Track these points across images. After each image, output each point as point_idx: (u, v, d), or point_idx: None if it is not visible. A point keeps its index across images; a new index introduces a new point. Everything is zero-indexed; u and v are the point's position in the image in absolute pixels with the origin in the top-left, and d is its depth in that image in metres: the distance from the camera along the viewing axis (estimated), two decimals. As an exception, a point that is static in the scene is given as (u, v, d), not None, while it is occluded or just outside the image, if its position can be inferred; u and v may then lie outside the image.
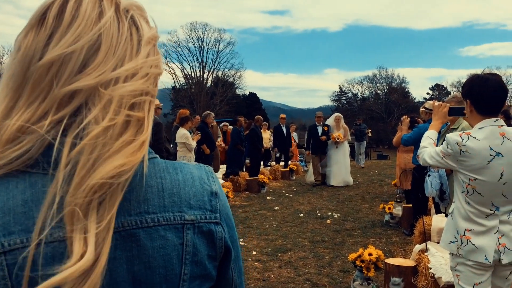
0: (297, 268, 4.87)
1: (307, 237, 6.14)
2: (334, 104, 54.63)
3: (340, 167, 10.92)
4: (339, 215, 7.55)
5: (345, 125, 11.41)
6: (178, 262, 0.67)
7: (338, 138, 10.78)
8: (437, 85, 52.19)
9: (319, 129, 11.27)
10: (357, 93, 53.46)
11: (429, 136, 2.65)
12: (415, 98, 50.86)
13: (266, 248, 5.62)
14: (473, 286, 2.35)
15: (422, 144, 2.63)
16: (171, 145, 8.48)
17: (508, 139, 2.30)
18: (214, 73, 45.48)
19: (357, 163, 16.08)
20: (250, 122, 13.55)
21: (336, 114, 11.85)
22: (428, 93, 52.26)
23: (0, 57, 45.28)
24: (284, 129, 14.10)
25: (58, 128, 0.60)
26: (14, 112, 0.61)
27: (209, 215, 0.72)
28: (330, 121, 11.44)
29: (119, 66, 0.63)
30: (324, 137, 11.05)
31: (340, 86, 54.92)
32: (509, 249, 2.30)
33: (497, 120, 2.35)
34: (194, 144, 8.21)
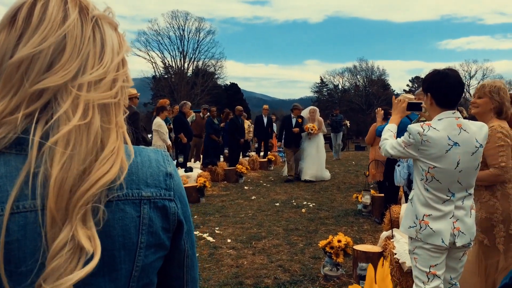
0: (270, 255, 4.99)
1: (282, 226, 6.26)
2: (315, 95, 54.97)
3: (313, 161, 10.44)
4: (314, 204, 7.71)
5: (320, 118, 10.95)
6: (135, 232, 0.75)
7: (311, 129, 10.30)
8: (416, 78, 52.97)
9: (293, 121, 10.74)
10: (338, 85, 53.89)
11: (390, 129, 2.78)
12: (394, 91, 51.58)
13: (241, 236, 5.73)
14: (429, 268, 2.49)
15: (383, 136, 2.76)
16: (150, 135, 8.51)
17: (465, 130, 2.43)
18: (195, 62, 45.22)
19: (334, 155, 15.96)
20: (227, 112, 13.59)
21: (311, 107, 11.24)
22: (408, 85, 53.07)
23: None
24: (265, 119, 14.19)
25: (30, 120, 0.68)
26: None
27: (164, 193, 0.81)
28: (304, 113, 10.92)
29: (83, 65, 0.71)
30: (297, 129, 10.50)
31: (321, 77, 55.22)
32: (463, 232, 2.45)
33: (454, 112, 2.49)
34: (165, 131, 8.31)
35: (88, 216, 0.68)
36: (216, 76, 46.31)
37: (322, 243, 4.37)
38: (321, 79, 54.88)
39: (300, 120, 10.64)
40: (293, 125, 10.62)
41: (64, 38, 0.71)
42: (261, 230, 6.06)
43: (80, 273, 0.66)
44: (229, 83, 48.67)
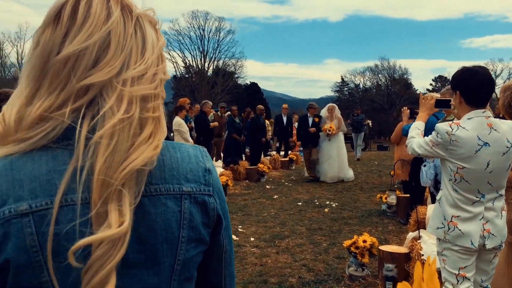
0: (294, 254, 5.00)
1: (305, 225, 6.26)
2: (336, 94, 54.49)
3: (333, 163, 10.04)
4: (336, 204, 7.68)
5: (340, 116, 10.43)
6: (177, 226, 0.78)
7: (329, 130, 9.83)
8: (440, 77, 51.95)
9: (310, 120, 10.34)
10: (359, 84, 53.32)
11: (417, 127, 2.74)
12: (417, 90, 50.76)
13: (264, 235, 5.75)
14: (459, 270, 2.46)
15: (410, 134, 2.72)
16: (171, 134, 8.63)
17: (495, 129, 2.39)
18: (215, 62, 45.45)
19: (355, 155, 15.59)
20: (248, 111, 13.64)
21: (330, 104, 10.78)
22: (431, 84, 52.09)
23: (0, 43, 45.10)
24: (285, 119, 14.18)
25: (76, 115, 0.71)
26: (35, 100, 0.72)
27: (203, 188, 0.83)
28: (323, 111, 10.54)
29: (127, 61, 0.74)
30: (313, 129, 10.11)
31: (342, 76, 54.72)
32: (493, 234, 2.41)
33: (485, 111, 2.44)
34: (186, 130, 8.42)
35: (123, 196, 0.69)
36: (236, 75, 46.47)
37: (347, 243, 4.36)
38: (342, 78, 54.40)
39: (317, 120, 10.29)
40: (310, 125, 10.31)
41: (109, 35, 0.73)
42: (284, 229, 6.07)
43: (106, 234, 0.67)
44: (249, 83, 48.75)
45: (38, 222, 0.68)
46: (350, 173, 10.47)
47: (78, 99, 0.71)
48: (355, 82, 53.46)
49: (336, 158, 10.14)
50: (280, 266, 4.61)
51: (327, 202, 7.80)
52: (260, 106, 13.20)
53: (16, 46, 45.78)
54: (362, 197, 8.38)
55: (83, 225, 0.69)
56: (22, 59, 45.17)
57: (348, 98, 52.18)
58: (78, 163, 0.69)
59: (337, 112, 10.45)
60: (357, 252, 4.25)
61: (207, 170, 0.85)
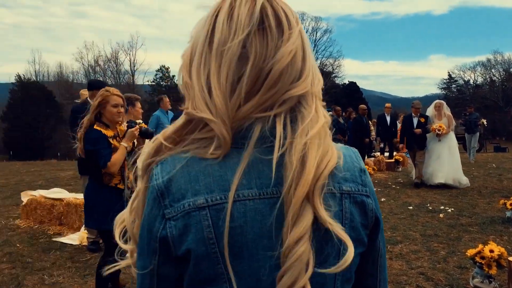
0: (409, 261, 4.75)
1: (418, 231, 5.93)
2: (443, 92, 51.10)
3: (443, 164, 9.02)
4: (452, 209, 7.15)
5: (449, 113, 9.42)
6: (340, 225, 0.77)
7: (439, 130, 8.94)
8: None
9: (415, 121, 9.52)
10: (469, 80, 49.37)
11: None
12: (538, 84, 45.52)
13: (374, 239, 5.55)
14: None
15: None
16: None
17: None
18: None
19: (469, 157, 14.08)
20: (350, 111, 13.35)
21: (436, 101, 9.84)
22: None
23: (115, 52, 49.69)
24: (388, 118, 13.64)
25: (278, 119, 0.75)
26: (249, 103, 0.76)
27: (361, 188, 0.82)
28: (429, 110, 9.63)
29: (314, 73, 0.80)
30: (419, 130, 9.27)
31: (449, 72, 51.21)
32: None
33: None
34: None
35: (317, 196, 0.72)
36: (333, 75, 45.83)
37: (470, 252, 4.03)
38: (449, 75, 50.91)
39: (423, 120, 9.41)
40: (415, 126, 9.47)
41: (303, 49, 0.78)
42: (396, 234, 5.81)
43: (344, 263, 0.71)
44: (347, 82, 47.79)
45: (214, 216, 0.72)
46: (464, 180, 9.23)
47: (280, 107, 0.76)
48: (465, 78, 49.66)
49: (447, 159, 9.08)
50: (395, 273, 4.41)
51: (441, 207, 7.30)
52: (363, 106, 12.90)
53: (129, 54, 50.06)
54: (481, 202, 7.70)
55: (254, 220, 0.72)
56: (134, 66, 49.25)
57: (457, 95, 48.70)
58: (275, 158, 0.72)
59: (446, 109, 9.46)
60: (482, 262, 3.91)
61: (362, 171, 0.84)
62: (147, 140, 3.60)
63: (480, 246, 4.03)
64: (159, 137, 0.79)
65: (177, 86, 0.86)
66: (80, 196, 6.16)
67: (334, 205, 0.76)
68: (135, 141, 3.63)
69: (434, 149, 9.22)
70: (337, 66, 46.09)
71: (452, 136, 9.38)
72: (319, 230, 0.73)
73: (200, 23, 0.82)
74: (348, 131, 12.35)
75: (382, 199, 8.10)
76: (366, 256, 0.85)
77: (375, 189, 0.85)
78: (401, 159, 12.61)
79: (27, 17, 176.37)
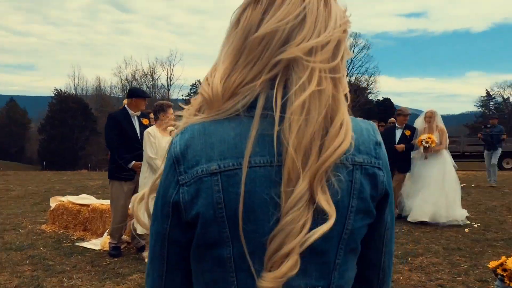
0: (429, 273, 4.64)
1: (441, 244, 5.77)
2: (480, 110, 49.66)
3: (432, 193, 6.81)
4: (479, 224, 6.93)
5: (442, 126, 7.23)
6: (347, 195, 0.79)
7: (427, 142, 6.91)
8: None
9: (398, 133, 7.35)
10: (508, 98, 47.86)
11: None
12: None
13: (396, 251, 5.45)
14: None
15: None
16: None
17: None
18: (348, 78, 45.21)
19: (487, 179, 11.67)
20: (381, 124, 13.21)
21: (428, 110, 7.40)
22: None
23: (152, 67, 51.02)
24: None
25: (267, 85, 0.77)
26: (232, 74, 0.80)
27: (374, 161, 0.83)
28: (418, 121, 7.52)
29: (316, 37, 0.77)
30: (401, 146, 7.14)
31: (487, 90, 49.78)
32: None
33: None
34: None
35: (324, 182, 0.73)
36: (368, 91, 45.44)
37: (493, 263, 3.89)
38: (487, 92, 49.45)
39: (408, 133, 7.29)
40: (396, 140, 7.32)
41: (304, 13, 0.77)
42: (418, 246, 5.68)
43: (319, 231, 0.72)
44: (381, 98, 47.23)
45: (225, 181, 0.76)
46: (459, 213, 6.90)
47: (269, 72, 0.77)
48: (504, 96, 48.13)
49: (438, 189, 6.83)
50: (413, 284, 4.31)
51: (468, 222, 7.09)
52: (393, 119, 12.69)
53: (167, 69, 51.31)
54: (509, 219, 7.43)
55: (262, 185, 0.75)
56: (170, 80, 50.36)
57: (495, 113, 47.21)
58: (275, 129, 0.74)
59: (439, 121, 7.28)
60: (504, 274, 3.78)
61: (377, 143, 0.85)
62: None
63: (503, 258, 3.89)
64: (184, 113, 0.85)
65: None
66: (106, 202, 6.30)
67: (344, 175, 0.77)
68: None
69: (421, 174, 7.11)
70: (372, 82, 45.66)
71: (445, 155, 7.21)
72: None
73: None
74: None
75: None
76: (372, 229, 0.86)
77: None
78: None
79: (73, 34, 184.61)
